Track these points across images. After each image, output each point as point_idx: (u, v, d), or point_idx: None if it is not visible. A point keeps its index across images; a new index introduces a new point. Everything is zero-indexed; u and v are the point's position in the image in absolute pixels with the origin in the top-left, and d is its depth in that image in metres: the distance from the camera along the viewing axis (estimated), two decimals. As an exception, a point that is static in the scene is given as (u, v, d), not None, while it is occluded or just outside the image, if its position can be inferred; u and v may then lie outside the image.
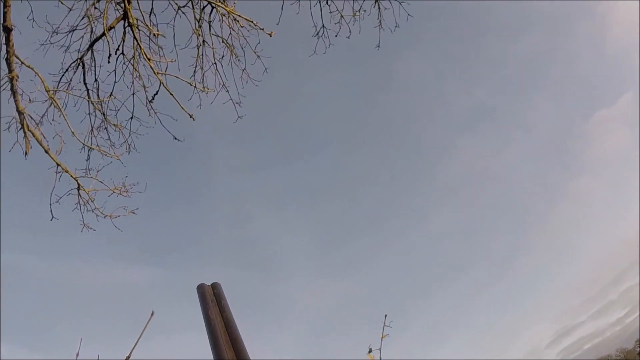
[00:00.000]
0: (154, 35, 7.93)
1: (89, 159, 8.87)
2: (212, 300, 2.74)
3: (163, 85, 7.87)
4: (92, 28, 8.68)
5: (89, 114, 9.25)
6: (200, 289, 2.79)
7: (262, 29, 8.47)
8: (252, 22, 8.41)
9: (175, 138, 8.90)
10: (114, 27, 7.58)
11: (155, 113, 8.80)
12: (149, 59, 7.68)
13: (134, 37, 7.66)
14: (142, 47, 7.56)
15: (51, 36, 8.56)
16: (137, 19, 8.04)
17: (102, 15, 8.39)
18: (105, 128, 9.43)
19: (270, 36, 8.57)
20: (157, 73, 7.79)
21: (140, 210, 9.53)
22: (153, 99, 8.03)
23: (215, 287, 2.83)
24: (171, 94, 8.01)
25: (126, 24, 7.76)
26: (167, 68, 8.19)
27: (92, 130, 9.38)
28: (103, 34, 8.44)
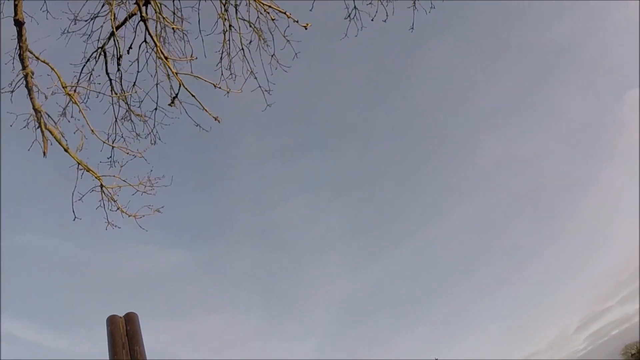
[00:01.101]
0: (173, 29, 7.17)
1: (111, 157, 8.36)
2: (122, 339, 2.13)
3: (183, 86, 7.14)
4: (114, 15, 7.95)
5: (112, 104, 8.70)
6: (110, 323, 2.16)
7: (297, 21, 7.57)
8: (285, 13, 7.51)
9: (203, 128, 8.25)
10: (125, 24, 6.87)
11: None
12: (166, 58, 6.94)
13: (148, 33, 6.88)
14: (159, 44, 6.77)
15: (72, 24, 7.92)
16: (158, 9, 7.27)
17: (123, 1, 7.69)
18: (130, 119, 8.89)
19: (306, 29, 7.68)
20: (176, 73, 7.05)
21: (168, 195, 9.05)
22: (173, 102, 7.36)
23: (129, 320, 2.21)
24: (192, 95, 7.31)
25: (139, 20, 6.99)
26: (191, 55, 7.47)
27: (115, 121, 8.85)
28: (125, 22, 7.74)
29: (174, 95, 7.38)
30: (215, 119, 7.48)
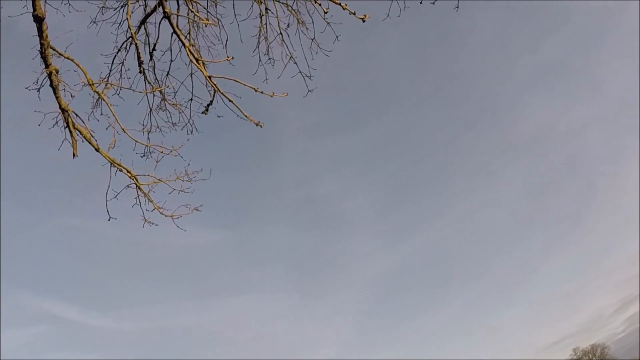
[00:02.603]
0: (205, 24, 6.30)
1: (145, 154, 7.77)
2: None
3: (218, 91, 6.33)
4: (145, 1, 7.12)
5: (146, 94, 8.01)
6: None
7: (354, 13, 6.55)
8: (339, 4, 6.49)
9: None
10: (145, 25, 6.04)
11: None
12: (197, 60, 6.10)
13: (175, 32, 6.04)
14: (188, 45, 5.95)
15: (99, 13, 7.15)
16: (192, 5, 6.37)
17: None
18: (165, 108, 8.22)
19: (364, 21, 6.65)
20: (209, 77, 6.22)
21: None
22: (207, 109, 6.60)
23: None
24: (230, 101, 6.51)
25: (161, 17, 6.14)
26: (227, 55, 6.63)
27: (150, 111, 8.21)
28: (154, 10, 6.89)
29: (208, 102, 6.64)
30: (257, 124, 6.70)
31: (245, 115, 6.56)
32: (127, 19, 6.20)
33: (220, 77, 6.29)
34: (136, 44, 7.08)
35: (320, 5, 6.94)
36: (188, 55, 6.17)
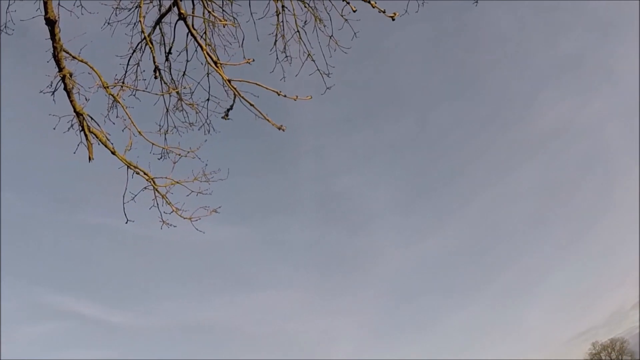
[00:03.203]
0: (223, 25, 6.03)
1: (162, 156, 7.58)
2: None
3: (239, 95, 6.08)
4: (159, 1, 6.85)
5: (162, 94, 7.79)
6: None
7: (384, 11, 6.27)
8: (369, 2, 6.19)
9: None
10: (160, 25, 5.77)
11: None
12: (215, 63, 5.84)
13: (191, 34, 5.80)
14: (205, 47, 5.71)
15: (113, 14, 6.91)
16: (207, 4, 6.08)
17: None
18: (182, 108, 8.00)
19: (393, 20, 6.37)
20: (229, 80, 5.97)
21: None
22: (227, 114, 6.37)
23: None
24: (252, 105, 6.25)
25: (177, 18, 5.88)
26: (246, 58, 6.37)
27: (167, 111, 8.01)
28: (169, 10, 6.62)
29: (229, 107, 6.41)
30: (280, 128, 6.47)
31: (267, 119, 6.33)
32: (140, 21, 5.92)
33: (240, 81, 6.04)
34: (151, 48, 6.85)
35: (340, 2, 6.68)
36: (206, 58, 5.94)
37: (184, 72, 7.59)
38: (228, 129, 8.32)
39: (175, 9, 6.26)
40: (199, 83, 7.49)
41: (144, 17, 6.43)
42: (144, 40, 7.06)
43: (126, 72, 7.31)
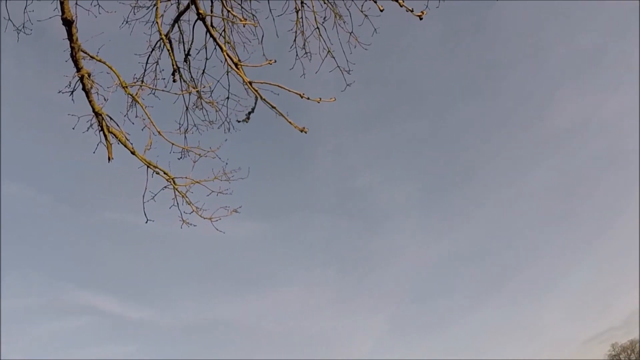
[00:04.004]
0: (243, 24, 5.83)
1: (182, 156, 7.45)
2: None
3: (261, 98, 5.90)
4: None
5: (181, 91, 7.65)
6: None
7: (411, 10, 6.00)
8: (398, 1, 5.92)
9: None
10: (179, 23, 5.58)
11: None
12: (236, 65, 5.66)
13: (210, 35, 5.62)
14: (225, 48, 5.54)
15: (131, 13, 6.76)
16: (227, 2, 5.88)
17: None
18: (201, 107, 7.86)
19: (421, 19, 6.10)
20: (250, 82, 5.79)
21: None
22: (248, 117, 6.19)
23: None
24: (273, 107, 6.07)
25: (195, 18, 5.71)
26: (268, 59, 6.16)
27: (186, 109, 7.87)
28: (187, 8, 6.43)
29: (250, 110, 6.24)
30: (302, 131, 6.29)
31: (290, 122, 6.15)
32: (156, 22, 5.76)
33: (262, 83, 5.85)
34: (168, 49, 6.70)
35: (382, 11, 6.46)
36: (226, 59, 5.75)
37: (204, 70, 7.46)
38: (248, 127, 8.16)
39: (193, 7, 6.06)
40: (218, 81, 7.36)
41: (162, 16, 6.27)
42: (162, 39, 6.90)
43: (145, 70, 7.20)
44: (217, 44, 5.83)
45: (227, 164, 7.87)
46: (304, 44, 7.60)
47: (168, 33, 6.94)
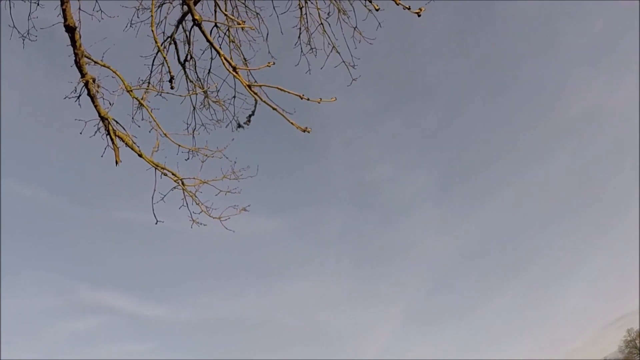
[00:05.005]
0: (242, 28, 5.81)
1: (189, 157, 7.51)
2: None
3: (261, 100, 5.88)
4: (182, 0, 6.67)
5: (188, 90, 7.69)
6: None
7: (409, 8, 5.92)
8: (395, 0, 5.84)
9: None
10: (183, 24, 5.56)
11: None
12: (234, 69, 5.65)
13: (207, 39, 5.63)
14: (222, 53, 5.52)
15: (135, 16, 6.80)
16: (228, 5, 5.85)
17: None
18: (209, 106, 7.89)
19: (419, 16, 6.01)
20: (249, 86, 5.77)
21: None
22: (249, 120, 6.19)
23: None
24: (274, 109, 6.04)
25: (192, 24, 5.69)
26: (268, 62, 6.13)
27: (194, 109, 7.90)
28: (186, 14, 6.44)
29: (250, 113, 6.23)
30: (305, 131, 6.25)
31: (291, 122, 6.10)
32: (152, 30, 5.78)
33: (261, 85, 5.83)
34: (164, 57, 6.71)
35: (378, 10, 6.42)
36: (224, 64, 5.72)
37: (209, 70, 7.47)
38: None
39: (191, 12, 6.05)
40: (224, 80, 7.35)
41: (166, 18, 6.30)
42: (168, 40, 6.95)
43: (151, 72, 7.23)
44: (215, 48, 5.80)
45: (235, 162, 7.91)
46: (309, 40, 7.57)
47: (172, 34, 6.97)
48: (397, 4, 5.79)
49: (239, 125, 6.91)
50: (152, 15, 5.92)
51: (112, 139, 7.03)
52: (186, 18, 6.86)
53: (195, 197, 7.85)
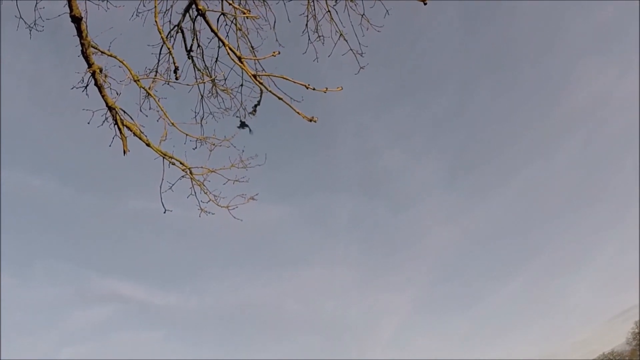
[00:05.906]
0: (246, 17, 5.78)
1: (196, 147, 7.54)
2: None
3: (267, 90, 5.87)
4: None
5: (196, 79, 7.70)
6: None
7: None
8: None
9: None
10: (189, 12, 5.55)
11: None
12: (240, 59, 5.64)
13: (211, 30, 5.62)
14: (227, 43, 5.50)
15: (142, 4, 6.79)
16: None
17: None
18: (216, 94, 7.89)
19: (425, 4, 5.93)
20: (254, 76, 5.76)
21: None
22: (254, 110, 6.18)
23: None
24: (280, 99, 6.03)
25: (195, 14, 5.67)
26: (274, 51, 6.13)
27: (202, 98, 7.92)
28: (191, 4, 6.43)
29: (256, 104, 6.21)
30: (311, 120, 6.25)
31: (298, 112, 6.10)
32: (155, 22, 5.76)
33: (267, 75, 5.81)
34: (169, 49, 6.70)
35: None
36: (229, 54, 5.71)
37: (217, 59, 7.46)
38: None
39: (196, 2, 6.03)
40: (232, 69, 7.33)
41: (170, 10, 6.27)
42: (175, 29, 6.94)
43: (159, 61, 7.24)
44: (220, 38, 5.79)
45: (243, 151, 7.91)
46: (316, 28, 7.50)
47: (179, 23, 6.96)
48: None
49: (243, 124, 6.89)
50: (155, 6, 5.90)
51: (119, 129, 7.06)
52: (192, 6, 6.84)
53: (204, 186, 7.89)
